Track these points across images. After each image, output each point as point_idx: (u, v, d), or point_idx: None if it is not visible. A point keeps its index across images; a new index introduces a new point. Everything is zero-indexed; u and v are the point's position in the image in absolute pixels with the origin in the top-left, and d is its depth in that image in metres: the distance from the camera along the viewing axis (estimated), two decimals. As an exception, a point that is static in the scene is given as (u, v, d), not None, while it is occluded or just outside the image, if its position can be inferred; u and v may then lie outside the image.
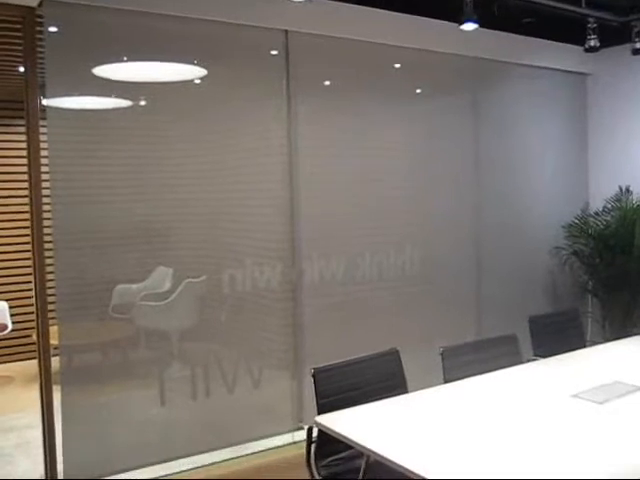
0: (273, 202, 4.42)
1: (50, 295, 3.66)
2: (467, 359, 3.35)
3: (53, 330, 3.66)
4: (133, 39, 3.89)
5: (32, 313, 3.77)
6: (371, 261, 4.80)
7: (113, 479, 3.81)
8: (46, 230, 3.64)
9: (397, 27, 4.75)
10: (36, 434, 3.99)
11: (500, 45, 5.37)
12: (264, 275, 4.34)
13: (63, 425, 3.64)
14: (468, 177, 5.41)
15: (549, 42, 5.66)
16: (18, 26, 3.63)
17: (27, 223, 3.72)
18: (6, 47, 4.39)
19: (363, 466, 2.57)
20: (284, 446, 4.34)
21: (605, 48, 4.84)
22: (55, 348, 3.69)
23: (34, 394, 3.80)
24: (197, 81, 4.21)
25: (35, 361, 3.78)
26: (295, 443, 4.32)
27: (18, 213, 6.45)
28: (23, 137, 3.73)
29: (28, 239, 3.71)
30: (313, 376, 2.90)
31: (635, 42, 4.76)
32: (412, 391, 3.09)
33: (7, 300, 6.15)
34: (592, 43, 4.60)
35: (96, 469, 3.79)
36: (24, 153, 3.68)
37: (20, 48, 3.66)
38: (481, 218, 5.46)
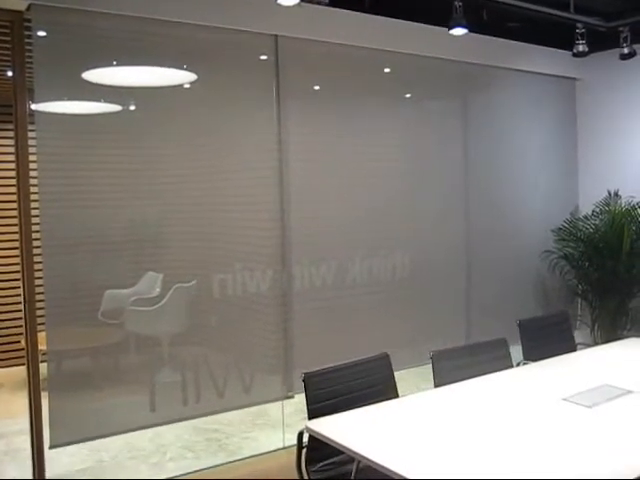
0: (263, 207, 4.41)
1: (39, 301, 3.63)
2: (457, 363, 3.35)
3: (42, 336, 3.63)
4: (122, 44, 3.88)
5: (20, 319, 3.74)
6: (361, 265, 4.80)
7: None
8: (35, 235, 3.62)
9: (387, 32, 4.76)
10: (25, 441, 3.96)
11: (489, 50, 5.40)
12: (254, 280, 4.33)
13: (51, 432, 3.60)
14: (458, 181, 5.42)
15: (538, 47, 5.70)
16: (6, 30, 3.61)
17: (15, 228, 3.70)
18: (-6, 51, 4.36)
19: (354, 471, 2.56)
20: (275, 451, 4.33)
21: (593, 53, 4.86)
22: (44, 354, 3.66)
23: (23, 400, 3.76)
24: (187, 86, 4.20)
25: (24, 367, 3.75)
26: (286, 448, 4.31)
27: (6, 218, 6.41)
28: (11, 141, 3.70)
29: (16, 244, 3.68)
30: (304, 381, 2.89)
31: (623, 47, 4.78)
32: (402, 395, 3.09)
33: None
34: (580, 48, 4.63)
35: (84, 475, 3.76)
36: (12, 158, 3.66)
37: (8, 52, 3.63)
38: (471, 222, 5.48)
